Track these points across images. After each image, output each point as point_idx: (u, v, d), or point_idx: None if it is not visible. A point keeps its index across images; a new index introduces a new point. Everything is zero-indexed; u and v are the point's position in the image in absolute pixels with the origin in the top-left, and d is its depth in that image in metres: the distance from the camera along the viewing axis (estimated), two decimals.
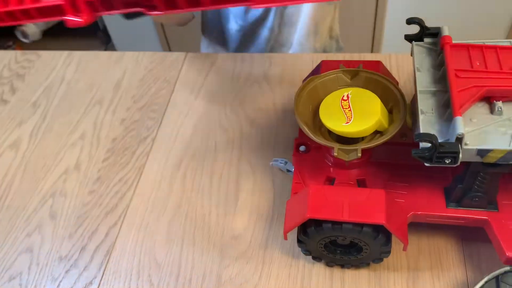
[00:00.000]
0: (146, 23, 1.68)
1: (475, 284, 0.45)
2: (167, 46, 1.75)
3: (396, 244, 0.50)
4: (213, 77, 0.76)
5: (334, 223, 0.44)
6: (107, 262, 0.55)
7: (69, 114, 0.73)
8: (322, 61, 0.58)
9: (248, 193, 0.60)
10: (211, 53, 0.80)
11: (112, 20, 1.73)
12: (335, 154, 0.45)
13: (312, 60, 0.75)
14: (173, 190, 0.62)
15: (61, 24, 0.39)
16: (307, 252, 0.50)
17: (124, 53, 0.83)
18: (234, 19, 0.85)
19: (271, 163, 0.61)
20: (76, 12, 0.38)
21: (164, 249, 0.56)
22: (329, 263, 0.51)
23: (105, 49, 2.00)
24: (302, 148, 0.55)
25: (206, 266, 0.53)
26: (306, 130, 0.47)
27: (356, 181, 0.51)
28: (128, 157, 0.66)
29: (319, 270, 0.51)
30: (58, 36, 1.98)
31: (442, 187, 0.49)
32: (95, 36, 2.00)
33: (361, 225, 0.44)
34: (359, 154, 0.44)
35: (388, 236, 0.45)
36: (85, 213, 0.61)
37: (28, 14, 0.40)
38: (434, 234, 0.52)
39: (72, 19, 0.38)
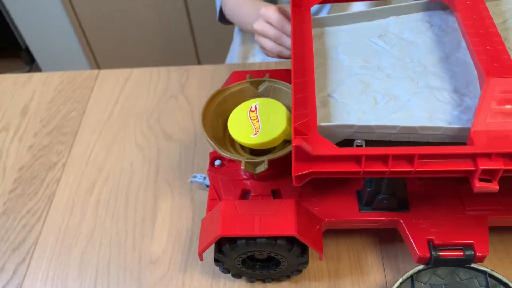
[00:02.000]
0: (71, 41, 1.61)
1: (392, 285, 0.45)
2: (96, 64, 1.68)
3: (315, 252, 0.50)
4: (127, 94, 0.72)
5: (247, 238, 0.43)
6: None
7: None
8: (233, 72, 0.56)
9: (166, 214, 0.57)
10: (124, 69, 0.77)
11: (35, 38, 1.64)
12: (243, 167, 0.43)
13: (230, 70, 0.74)
14: (86, 217, 0.58)
15: None
16: (225, 270, 0.48)
17: (32, 74, 0.78)
18: None
19: (190, 179, 0.58)
20: None
21: (76, 282, 0.52)
22: (250, 279, 0.50)
23: (29, 70, 1.89)
24: (217, 162, 0.53)
25: None
26: (213, 144, 0.45)
27: (271, 192, 0.50)
28: (37, 186, 0.62)
29: (240, 286, 0.50)
30: None
31: (355, 191, 0.49)
32: (18, 57, 1.88)
33: (275, 238, 0.43)
34: (266, 166, 0.43)
35: (303, 247, 0.44)
36: None
37: None
38: (353, 239, 0.52)
39: None
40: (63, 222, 0.57)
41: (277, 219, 0.43)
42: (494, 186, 0.32)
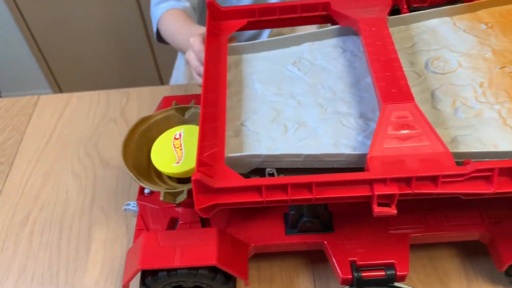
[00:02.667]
0: (30, 64, 1.58)
1: None
2: (58, 87, 1.66)
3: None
4: (66, 120, 0.71)
5: (169, 270, 0.43)
6: None
7: None
8: (163, 98, 0.56)
9: (100, 243, 0.56)
10: (65, 94, 0.76)
11: None
12: (161, 199, 0.43)
13: (172, 92, 0.74)
14: (18, 250, 0.56)
15: None
16: None
17: None
18: None
19: (123, 207, 0.58)
20: None
21: None
22: None
23: None
24: (146, 190, 0.52)
25: None
26: (132, 175, 0.45)
27: (200, 219, 0.49)
28: None
29: None
30: None
31: (283, 214, 0.49)
32: None
33: (197, 268, 0.42)
34: (185, 196, 0.43)
35: (226, 275, 0.44)
36: None
37: None
38: (286, 260, 0.52)
39: None
40: None
41: (199, 249, 0.42)
42: (392, 211, 0.33)
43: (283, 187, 0.33)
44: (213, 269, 0.43)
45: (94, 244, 0.56)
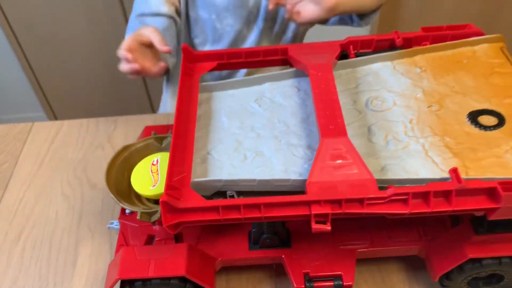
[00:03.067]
0: (25, 89, 1.66)
1: None
2: (52, 114, 1.73)
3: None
4: (57, 145, 0.78)
5: (144, 280, 0.49)
6: None
7: None
8: (145, 127, 0.63)
9: (86, 258, 0.62)
10: (57, 122, 0.83)
11: None
12: (138, 217, 0.49)
13: (155, 121, 0.81)
14: (11, 265, 0.62)
15: None
16: None
17: None
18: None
19: (107, 226, 0.64)
20: None
21: None
22: None
23: None
24: (127, 211, 0.59)
25: None
26: (113, 197, 0.52)
27: (174, 236, 0.56)
28: None
29: None
30: None
31: (247, 232, 0.56)
32: None
33: (168, 279, 0.49)
34: (159, 215, 0.49)
35: (195, 285, 0.50)
36: None
37: None
38: (253, 273, 0.59)
39: None
40: None
41: (170, 261, 0.49)
42: (326, 227, 0.40)
43: (237, 207, 0.40)
44: (183, 280, 0.49)
45: (80, 259, 0.62)
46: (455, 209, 0.40)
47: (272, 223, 0.51)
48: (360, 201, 0.40)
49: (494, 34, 0.55)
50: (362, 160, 0.41)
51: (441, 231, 0.53)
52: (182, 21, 0.77)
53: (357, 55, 0.55)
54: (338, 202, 0.40)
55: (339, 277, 0.51)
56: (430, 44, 0.56)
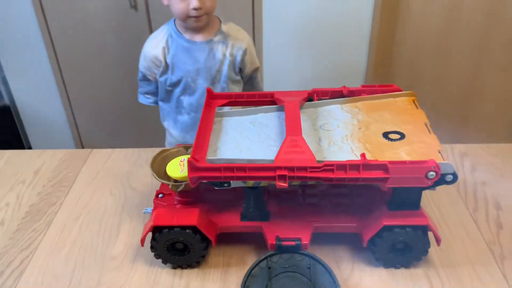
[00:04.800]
0: (60, 121, 2.08)
1: (254, 262, 0.75)
2: (80, 143, 2.12)
3: (215, 250, 0.80)
4: (109, 164, 1.07)
5: (169, 228, 0.75)
6: None
7: None
8: (176, 144, 0.93)
9: (125, 233, 0.88)
10: (108, 149, 1.13)
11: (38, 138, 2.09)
12: (170, 187, 0.77)
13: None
14: (71, 234, 0.88)
15: None
16: (157, 256, 0.78)
17: (43, 151, 1.13)
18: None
19: (143, 211, 0.90)
20: None
21: (65, 271, 0.80)
22: (174, 266, 0.79)
23: None
24: (160, 195, 0.86)
25: (94, 274, 0.79)
26: (155, 175, 0.79)
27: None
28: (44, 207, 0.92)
29: (168, 271, 0.79)
30: None
31: (240, 209, 0.81)
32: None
33: (185, 228, 0.74)
34: (183, 187, 0.76)
35: (203, 236, 0.76)
36: None
37: None
38: (242, 245, 0.83)
39: None
40: (59, 236, 0.87)
41: (186, 216, 0.75)
42: (285, 185, 0.67)
43: (231, 169, 0.68)
44: (194, 230, 0.75)
45: (121, 233, 0.88)
46: (362, 176, 0.67)
47: (256, 204, 0.78)
48: (305, 168, 0.67)
49: (409, 91, 0.86)
50: (309, 149, 0.69)
51: (368, 212, 0.78)
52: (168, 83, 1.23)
53: (318, 100, 0.86)
54: (292, 169, 0.67)
55: (299, 239, 0.76)
56: (366, 95, 0.86)
